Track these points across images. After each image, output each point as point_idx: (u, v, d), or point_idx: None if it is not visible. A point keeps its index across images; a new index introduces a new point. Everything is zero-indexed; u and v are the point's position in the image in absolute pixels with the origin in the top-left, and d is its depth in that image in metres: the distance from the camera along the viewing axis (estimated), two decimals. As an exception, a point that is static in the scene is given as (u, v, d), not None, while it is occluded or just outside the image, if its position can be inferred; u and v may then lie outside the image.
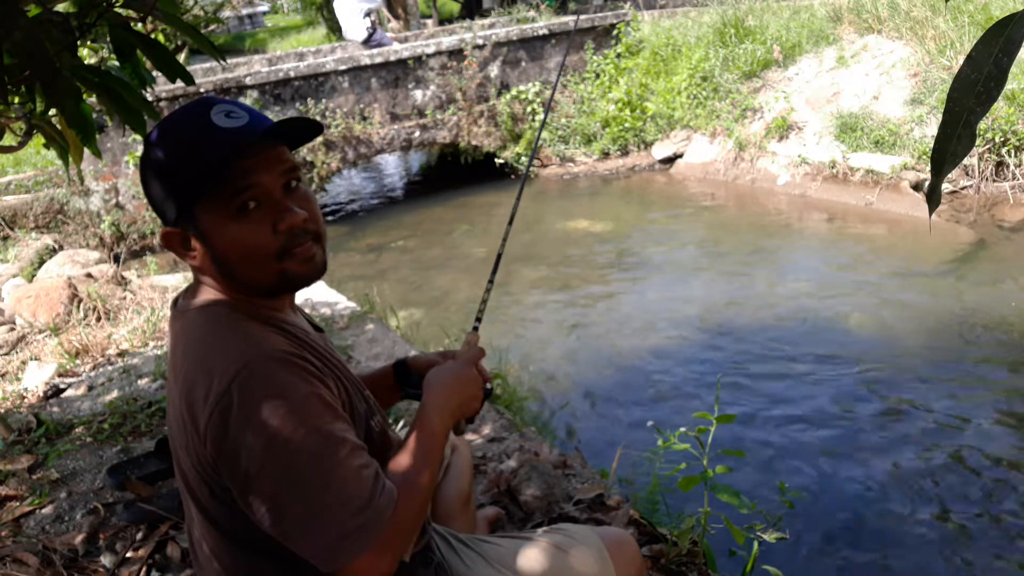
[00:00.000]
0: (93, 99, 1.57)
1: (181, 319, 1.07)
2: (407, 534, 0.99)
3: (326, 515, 0.91)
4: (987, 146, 5.98)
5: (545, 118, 2.05)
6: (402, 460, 1.04)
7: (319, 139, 7.60)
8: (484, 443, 2.58)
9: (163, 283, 4.81)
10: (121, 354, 3.62)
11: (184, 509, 1.12)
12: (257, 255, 1.00)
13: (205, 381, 0.94)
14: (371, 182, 9.92)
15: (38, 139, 1.77)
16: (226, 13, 24.92)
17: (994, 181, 6.05)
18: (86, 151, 1.57)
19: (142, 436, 2.74)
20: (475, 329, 1.38)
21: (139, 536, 2.11)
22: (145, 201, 7.04)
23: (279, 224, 1.00)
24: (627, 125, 8.39)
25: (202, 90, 7.07)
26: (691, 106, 8.07)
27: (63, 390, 3.24)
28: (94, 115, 1.44)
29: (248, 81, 7.30)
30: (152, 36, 1.49)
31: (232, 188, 0.97)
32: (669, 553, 1.92)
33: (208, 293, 1.06)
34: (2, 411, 3.06)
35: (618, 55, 8.89)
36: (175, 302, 1.12)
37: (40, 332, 3.93)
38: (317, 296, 4.22)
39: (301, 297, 4.20)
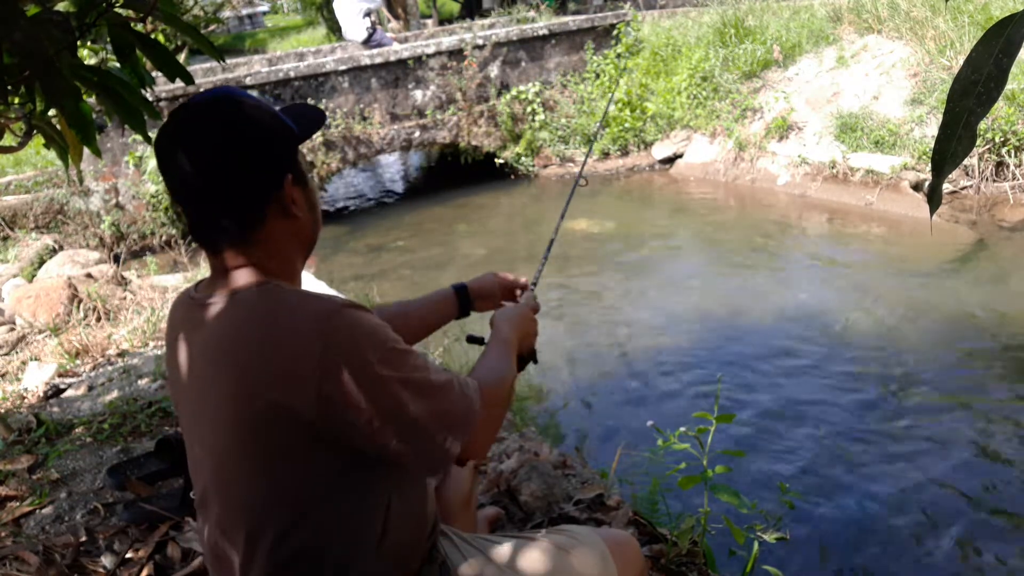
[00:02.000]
0: (93, 99, 1.57)
1: (217, 304, 1.05)
2: (498, 414, 1.17)
3: (446, 408, 1.06)
4: (987, 146, 5.98)
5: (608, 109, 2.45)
6: (488, 359, 1.25)
7: (319, 139, 7.60)
8: (484, 443, 2.58)
9: (163, 283, 4.81)
10: (121, 354, 3.62)
11: (215, 505, 1.09)
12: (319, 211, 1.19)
13: (297, 342, 0.98)
14: (371, 182, 9.92)
15: (38, 139, 1.77)
16: (226, 13, 24.93)
17: (994, 181, 6.05)
18: (86, 151, 1.57)
19: (142, 436, 2.74)
20: (532, 286, 1.70)
21: (139, 536, 2.11)
22: (145, 201, 7.08)
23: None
24: (627, 125, 8.39)
25: (202, 90, 7.06)
26: (691, 106, 8.07)
27: (63, 390, 3.24)
28: (94, 115, 1.44)
29: (248, 81, 7.30)
30: (152, 36, 1.49)
31: (302, 162, 1.14)
32: (669, 553, 1.92)
33: (245, 278, 1.06)
34: (2, 411, 3.06)
35: (618, 55, 8.89)
36: (188, 295, 1.12)
37: (40, 332, 3.93)
38: (317, 296, 4.22)
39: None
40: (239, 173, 1.04)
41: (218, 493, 1.08)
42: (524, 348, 1.39)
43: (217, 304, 1.06)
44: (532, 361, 1.47)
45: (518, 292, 1.64)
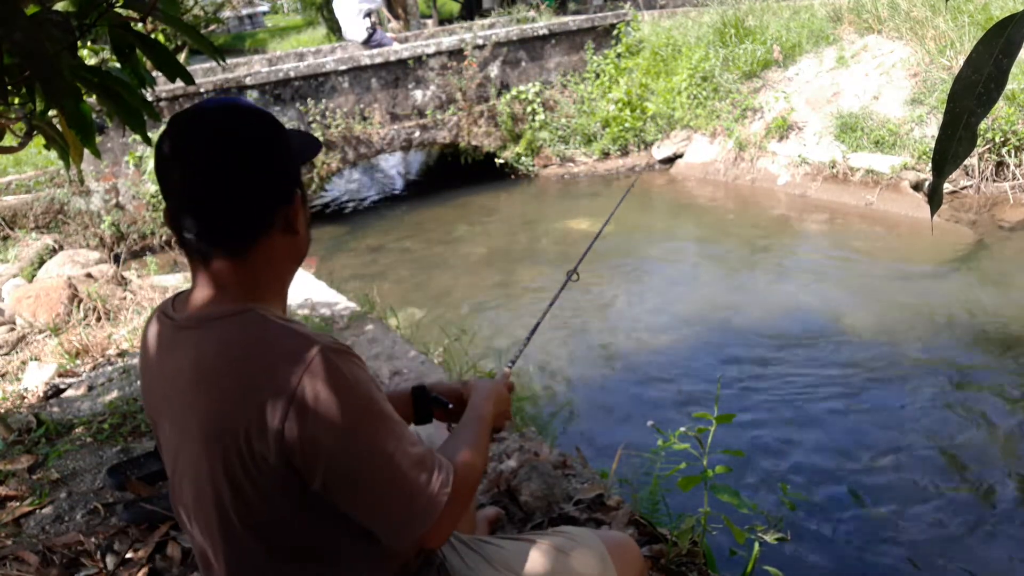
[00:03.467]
0: (93, 99, 1.57)
1: (195, 330, 1.03)
2: (464, 503, 1.08)
3: (410, 488, 0.99)
4: (987, 146, 5.98)
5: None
6: (466, 438, 1.18)
7: (319, 139, 7.59)
8: (484, 443, 2.57)
9: (163, 283, 4.81)
10: (121, 354, 3.62)
11: (197, 527, 1.08)
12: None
13: (270, 382, 0.94)
14: (371, 182, 9.92)
15: (38, 139, 1.77)
16: (226, 13, 24.92)
17: (994, 181, 6.05)
18: (86, 151, 1.57)
19: (142, 436, 2.74)
20: (509, 367, 1.60)
21: (139, 536, 2.11)
22: (145, 201, 7.08)
23: None
24: (627, 125, 8.38)
25: (202, 90, 7.07)
26: (691, 106, 8.07)
27: (63, 390, 3.24)
28: (94, 115, 1.44)
29: (248, 81, 7.30)
30: (152, 36, 1.49)
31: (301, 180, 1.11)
32: (669, 553, 1.92)
33: (229, 299, 1.03)
34: (2, 411, 3.06)
35: (618, 55, 8.88)
36: (164, 313, 1.09)
37: (40, 332, 3.93)
38: (317, 296, 4.22)
39: (302, 297, 4.20)
40: (259, 179, 1.02)
41: (199, 518, 1.06)
42: (495, 427, 1.34)
43: (195, 330, 1.03)
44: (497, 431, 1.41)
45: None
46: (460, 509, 1.05)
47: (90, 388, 3.23)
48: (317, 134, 7.59)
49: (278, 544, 1.04)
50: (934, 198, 0.86)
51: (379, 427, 0.98)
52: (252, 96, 7.29)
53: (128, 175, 7.06)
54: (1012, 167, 5.96)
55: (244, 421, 0.95)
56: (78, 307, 4.10)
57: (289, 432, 0.94)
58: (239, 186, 1.00)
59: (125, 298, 4.35)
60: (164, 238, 7.05)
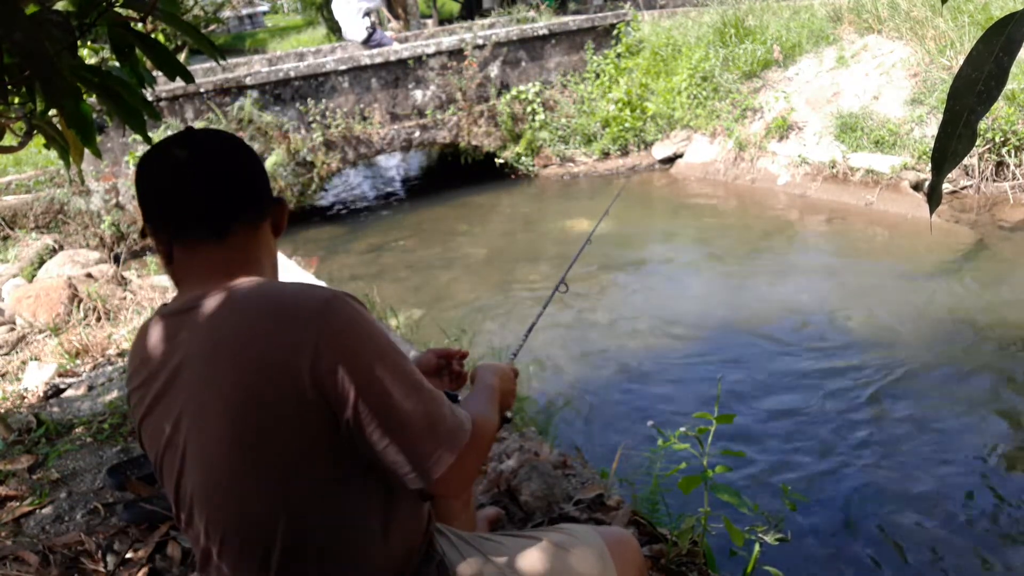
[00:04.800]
0: (93, 99, 1.57)
1: (206, 303, 1.05)
2: (481, 454, 1.12)
3: (435, 415, 1.04)
4: (987, 146, 5.98)
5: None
6: (475, 399, 1.25)
7: (319, 139, 7.60)
8: (484, 443, 2.57)
9: (163, 283, 4.81)
10: (121, 354, 3.62)
11: (203, 519, 1.07)
12: None
13: (293, 329, 1.00)
14: (371, 182, 9.92)
15: (38, 139, 1.77)
16: (226, 13, 24.93)
17: (994, 181, 6.05)
18: (86, 151, 1.57)
19: (142, 436, 2.74)
20: (512, 357, 1.70)
21: (139, 536, 2.11)
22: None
23: None
24: (627, 125, 8.38)
25: (202, 89, 7.07)
26: (691, 106, 8.07)
27: (63, 390, 3.24)
28: (94, 115, 1.44)
29: (248, 81, 7.30)
30: (152, 36, 1.49)
31: None
32: (669, 553, 1.92)
33: (241, 272, 1.10)
34: (2, 411, 3.05)
35: (618, 55, 8.89)
36: (162, 313, 1.10)
37: (40, 332, 3.93)
38: (317, 296, 4.22)
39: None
40: (258, 174, 1.16)
41: (202, 509, 1.06)
42: (503, 405, 1.37)
43: (213, 300, 1.05)
44: (505, 421, 1.42)
45: (455, 362, 1.57)
46: (478, 458, 1.10)
47: (90, 388, 3.23)
48: (317, 134, 7.60)
49: (288, 541, 1.04)
50: (933, 196, 0.86)
51: (400, 363, 1.04)
52: (252, 96, 7.29)
53: (128, 175, 7.05)
54: (1012, 167, 5.96)
55: (275, 369, 0.99)
56: (78, 307, 4.10)
57: (317, 368, 0.98)
58: (250, 174, 1.14)
59: (125, 298, 4.35)
60: (164, 238, 7.03)
